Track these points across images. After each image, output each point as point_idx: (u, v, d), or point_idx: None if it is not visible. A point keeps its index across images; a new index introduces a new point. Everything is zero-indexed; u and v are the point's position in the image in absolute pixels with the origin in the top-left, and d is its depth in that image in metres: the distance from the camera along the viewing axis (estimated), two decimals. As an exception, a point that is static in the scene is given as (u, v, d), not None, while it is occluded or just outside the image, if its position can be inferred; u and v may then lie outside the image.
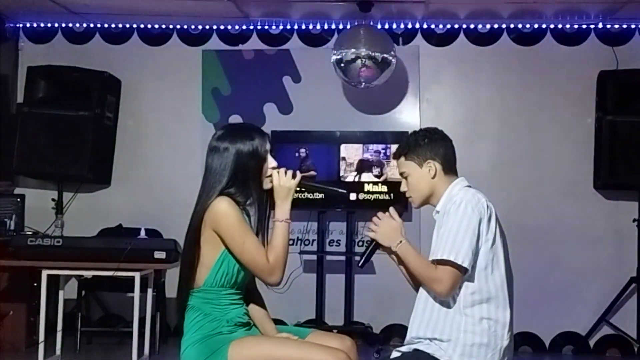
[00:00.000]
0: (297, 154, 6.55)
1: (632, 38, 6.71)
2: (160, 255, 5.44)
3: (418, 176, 3.11)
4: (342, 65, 6.29)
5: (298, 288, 6.67)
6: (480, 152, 6.79)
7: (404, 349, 3.02)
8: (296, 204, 6.45)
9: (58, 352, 5.68)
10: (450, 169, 3.13)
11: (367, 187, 6.54)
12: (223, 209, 3.04)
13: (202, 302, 3.09)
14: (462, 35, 6.91)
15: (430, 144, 3.10)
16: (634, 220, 6.47)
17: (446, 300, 2.95)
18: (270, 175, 3.18)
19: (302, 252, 6.86)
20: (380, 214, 3.10)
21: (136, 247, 5.44)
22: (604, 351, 6.64)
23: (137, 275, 5.45)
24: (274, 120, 6.87)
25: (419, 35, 6.95)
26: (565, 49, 6.80)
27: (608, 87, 6.44)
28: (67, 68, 6.83)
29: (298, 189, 3.26)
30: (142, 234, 5.72)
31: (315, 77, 6.97)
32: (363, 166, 6.59)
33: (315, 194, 6.47)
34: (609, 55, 6.65)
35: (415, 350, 2.96)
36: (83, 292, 6.63)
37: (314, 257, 6.82)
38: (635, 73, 6.43)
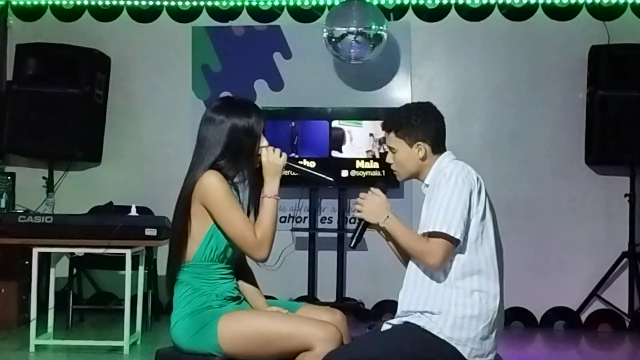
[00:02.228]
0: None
1: (623, 12, 6.68)
2: (151, 232, 5.42)
3: (406, 155, 3.09)
4: (334, 41, 6.27)
5: (290, 265, 6.66)
6: (472, 128, 6.78)
7: (394, 321, 3.02)
8: (288, 181, 6.56)
9: (50, 329, 5.67)
10: (439, 147, 3.12)
11: (358, 164, 6.53)
12: (211, 182, 3.03)
13: (192, 276, 3.08)
14: (453, 10, 6.89)
15: (423, 125, 3.08)
16: (626, 195, 6.49)
17: (437, 273, 2.94)
18: (260, 154, 3.16)
19: (294, 229, 6.86)
20: (362, 193, 3.10)
21: (127, 225, 5.42)
22: (595, 326, 6.66)
23: (128, 253, 5.43)
24: (264, 96, 6.83)
25: (410, 11, 6.92)
26: (556, 24, 6.78)
27: (600, 62, 6.42)
28: (56, 45, 6.80)
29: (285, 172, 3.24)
30: (133, 211, 5.70)
31: (306, 54, 6.94)
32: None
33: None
34: (601, 30, 6.63)
35: (406, 323, 2.96)
36: (75, 270, 6.62)
37: (306, 234, 6.83)
38: (627, 47, 6.43)
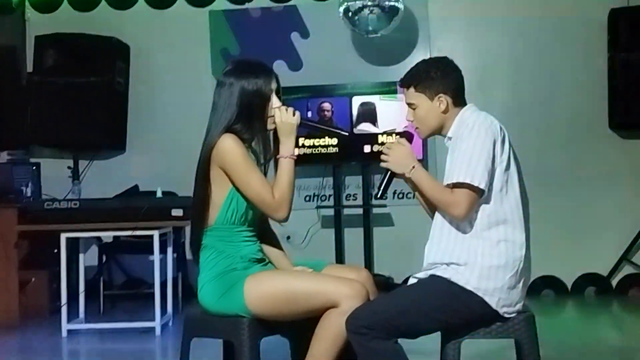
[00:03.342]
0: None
1: (642, -26, 6.61)
2: (177, 212, 5.46)
3: (428, 109, 3.06)
4: (350, 15, 6.25)
5: (317, 243, 6.71)
6: (493, 98, 6.71)
7: (420, 275, 3.01)
8: (311, 160, 6.58)
9: (81, 314, 5.72)
10: (460, 100, 3.09)
11: (380, 139, 6.50)
12: (228, 145, 3.03)
13: (216, 240, 3.09)
14: (471, -19, 6.85)
15: (443, 77, 3.05)
16: (651, 157, 6.44)
17: (462, 224, 2.92)
18: (273, 115, 3.16)
19: (319, 207, 6.86)
20: (388, 143, 3.07)
21: (153, 206, 5.46)
22: (626, 291, 6.63)
23: (155, 234, 5.46)
24: (284, 77, 6.54)
25: (427, -17, 6.90)
26: (575, -11, 6.73)
27: (619, 25, 6.38)
28: (75, 35, 6.84)
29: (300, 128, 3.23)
30: (159, 194, 5.74)
31: (324, 32, 6.93)
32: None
33: (329, 148, 6.50)
34: (620, -7, 6.58)
35: (432, 275, 2.94)
36: (104, 258, 6.67)
37: (332, 212, 6.83)
38: (646, 9, 6.35)
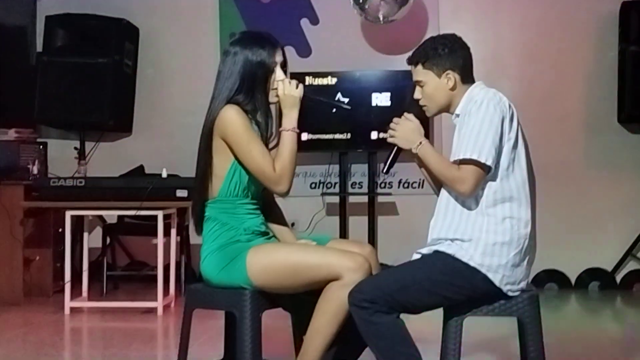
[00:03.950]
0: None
1: (655, -33, 6.58)
2: (182, 193, 5.45)
3: (435, 86, 3.05)
4: (360, 1, 6.22)
5: (321, 230, 6.68)
6: (502, 90, 6.35)
7: (424, 250, 3.00)
8: (317, 146, 6.55)
9: (84, 293, 5.72)
10: (468, 77, 3.08)
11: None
12: (230, 116, 3.02)
13: (219, 212, 3.09)
14: (481, -29, 6.84)
15: (451, 54, 3.04)
16: (660, 152, 6.41)
17: (468, 201, 2.91)
18: (277, 88, 3.14)
19: (324, 194, 6.85)
20: (396, 118, 3.06)
21: (158, 186, 5.46)
22: (630, 286, 6.60)
23: (160, 214, 5.47)
24: (292, 63, 6.55)
25: (437, -26, 6.88)
26: (586, -19, 6.70)
27: (631, 18, 6.34)
28: (85, 16, 6.82)
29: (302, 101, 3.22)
30: (164, 175, 5.73)
31: (333, 19, 6.92)
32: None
33: (336, 134, 6.49)
34: (632, -14, 6.54)
35: (436, 251, 2.93)
36: (108, 240, 6.67)
37: (337, 199, 6.81)
38: (658, 2, 6.32)
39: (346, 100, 6.38)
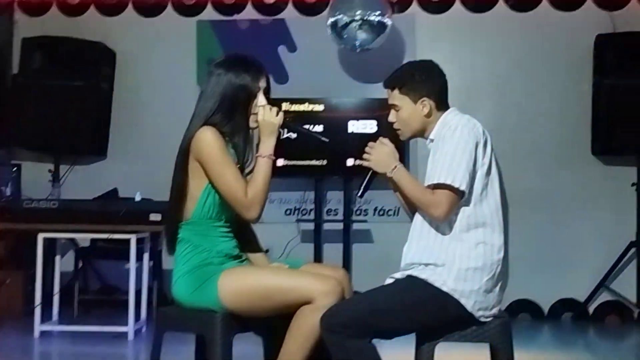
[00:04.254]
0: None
1: (629, 2, 6.68)
2: (155, 217, 5.43)
3: (411, 112, 3.07)
4: (338, 29, 6.26)
5: (296, 257, 6.62)
6: (478, 119, 6.64)
7: (397, 275, 2.99)
8: (292, 172, 6.54)
9: (55, 317, 5.66)
10: (443, 104, 3.11)
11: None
12: (206, 137, 3.01)
13: (192, 234, 3.07)
14: (458, 2, 6.90)
15: (428, 81, 3.07)
16: (633, 184, 6.46)
17: (442, 226, 2.91)
18: (257, 114, 3.14)
19: (299, 220, 6.84)
20: (371, 142, 3.07)
21: (132, 209, 5.43)
22: (603, 317, 6.60)
23: (133, 238, 5.42)
24: None
25: (414, 3, 6.94)
26: (561, 14, 6.78)
27: (606, 51, 6.41)
28: (62, 39, 6.83)
29: (281, 129, 3.22)
30: (138, 198, 5.70)
31: (311, 47, 6.95)
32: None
33: (312, 160, 6.50)
34: (606, 20, 6.63)
35: (409, 276, 2.93)
36: (80, 263, 6.61)
37: (312, 226, 6.80)
38: (633, 36, 6.40)
39: (321, 127, 6.42)
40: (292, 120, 3.37)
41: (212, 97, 3.09)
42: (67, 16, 7.15)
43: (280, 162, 6.22)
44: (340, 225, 6.78)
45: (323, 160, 6.54)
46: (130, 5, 7.12)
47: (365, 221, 6.80)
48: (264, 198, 3.05)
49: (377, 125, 6.46)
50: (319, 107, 6.58)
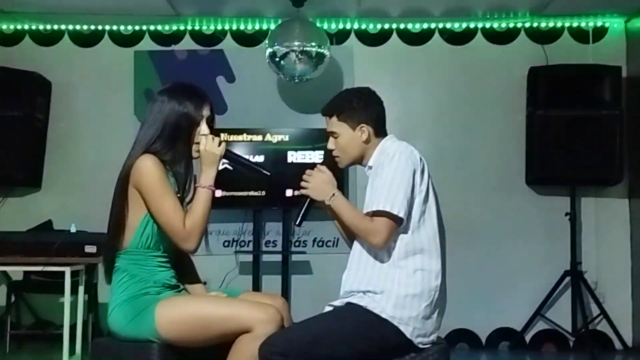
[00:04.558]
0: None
1: (560, 35, 6.84)
2: (91, 249, 5.32)
3: (349, 139, 3.09)
4: (277, 60, 6.27)
5: (234, 289, 6.56)
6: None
7: (336, 303, 2.99)
8: (231, 204, 6.49)
9: (-15, 353, 5.51)
10: (381, 131, 3.13)
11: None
12: (145, 166, 2.97)
13: (129, 263, 3.02)
14: (394, 35, 6.98)
15: (365, 107, 3.10)
16: (566, 214, 6.55)
17: (380, 253, 2.92)
18: (199, 142, 3.12)
19: (237, 252, 6.79)
20: (309, 170, 3.07)
21: (66, 241, 5.31)
22: (539, 346, 6.69)
23: (67, 270, 5.30)
24: None
25: (352, 36, 7.00)
26: (496, 48, 6.91)
27: (538, 82, 6.53)
28: (-4, 68, 6.71)
29: (224, 160, 3.20)
30: (73, 230, 5.60)
31: (250, 77, 6.95)
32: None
33: (251, 191, 6.47)
34: (539, 53, 6.77)
35: (348, 303, 2.92)
36: (13, 297, 6.45)
37: (250, 258, 6.75)
38: (564, 68, 6.54)
39: (261, 157, 6.41)
40: (234, 153, 3.32)
41: (154, 124, 3.05)
42: (2, 45, 7.03)
43: (219, 193, 6.11)
44: (279, 257, 6.74)
45: (262, 192, 6.53)
46: (66, 35, 7.04)
47: (304, 252, 6.79)
48: (202, 229, 3.01)
49: (316, 155, 6.46)
50: (258, 138, 6.58)
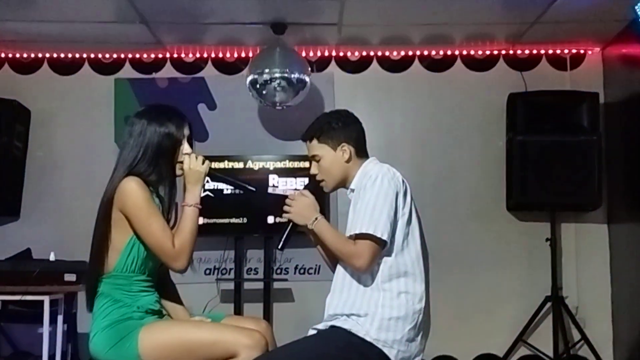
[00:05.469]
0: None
1: (539, 62, 6.90)
2: (70, 277, 5.27)
3: (332, 159, 3.10)
4: (258, 86, 6.28)
5: (215, 317, 6.52)
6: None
7: (320, 326, 2.98)
8: (212, 231, 6.47)
9: (-38, 385, 5.42)
10: (362, 151, 3.14)
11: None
12: (130, 188, 2.97)
13: (112, 287, 3.00)
14: (375, 62, 7.01)
15: (345, 127, 3.12)
16: (547, 239, 6.56)
17: (364, 276, 2.91)
18: (182, 162, 3.12)
19: (218, 280, 6.75)
20: (291, 194, 3.07)
21: (45, 270, 5.25)
22: (521, 372, 6.68)
23: (46, 299, 5.24)
24: None
25: (332, 63, 7.03)
26: (475, 75, 6.94)
27: (517, 108, 6.56)
28: (-26, 97, 6.66)
29: (208, 178, 3.21)
30: (52, 258, 5.54)
31: (231, 105, 6.94)
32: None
33: (232, 219, 6.45)
34: (518, 80, 6.81)
35: (332, 326, 2.91)
36: (-10, 328, 6.38)
37: (232, 286, 6.71)
38: (543, 94, 6.58)
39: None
40: (217, 170, 3.33)
41: (136, 146, 3.05)
42: (-20, 74, 7.01)
43: (200, 220, 6.13)
44: (260, 285, 6.71)
45: (243, 219, 6.50)
46: (45, 64, 7.01)
47: (285, 280, 6.76)
48: (191, 247, 3.03)
49: (298, 182, 6.46)
50: (239, 165, 6.56)
